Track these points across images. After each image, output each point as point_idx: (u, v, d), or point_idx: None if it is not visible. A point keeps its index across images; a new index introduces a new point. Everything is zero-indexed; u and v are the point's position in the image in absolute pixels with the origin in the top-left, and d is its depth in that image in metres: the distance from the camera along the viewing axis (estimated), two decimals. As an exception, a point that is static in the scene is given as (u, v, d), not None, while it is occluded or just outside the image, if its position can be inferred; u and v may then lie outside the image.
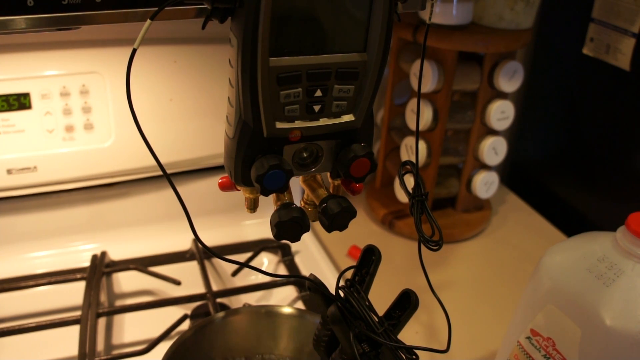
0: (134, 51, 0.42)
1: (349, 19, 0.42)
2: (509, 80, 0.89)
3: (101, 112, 0.80)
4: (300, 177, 0.51)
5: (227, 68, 0.45)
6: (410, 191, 0.51)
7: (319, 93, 0.43)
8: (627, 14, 0.87)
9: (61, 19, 0.43)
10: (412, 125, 0.91)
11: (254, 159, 0.44)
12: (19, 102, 0.77)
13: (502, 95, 0.91)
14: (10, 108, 0.77)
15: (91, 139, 0.81)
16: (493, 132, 0.94)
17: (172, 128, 0.83)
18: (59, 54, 0.78)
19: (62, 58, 0.78)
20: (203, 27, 0.42)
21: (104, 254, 0.83)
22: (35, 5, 0.42)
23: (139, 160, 0.83)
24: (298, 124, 0.43)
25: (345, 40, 0.43)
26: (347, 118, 0.45)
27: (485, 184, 0.96)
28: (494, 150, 0.94)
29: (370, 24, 0.43)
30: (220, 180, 0.49)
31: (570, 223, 1.04)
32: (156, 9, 0.41)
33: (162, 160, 0.43)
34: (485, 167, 0.97)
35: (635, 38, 0.86)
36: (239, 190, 0.49)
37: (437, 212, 0.99)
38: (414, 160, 0.51)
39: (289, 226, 0.46)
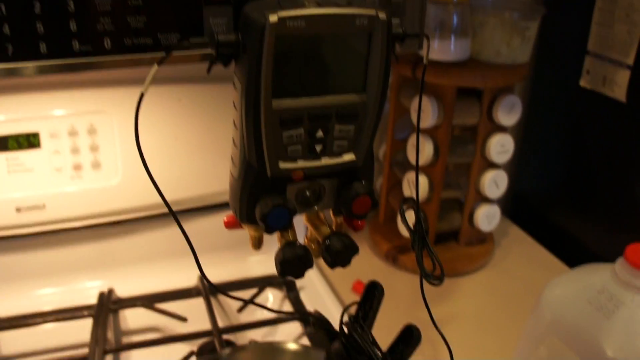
0: (142, 95, 0.43)
1: (348, 61, 0.44)
2: (508, 114, 0.90)
3: (108, 150, 0.81)
4: (304, 215, 0.52)
5: (231, 106, 0.46)
6: (412, 227, 0.52)
7: (320, 133, 0.44)
8: (621, 46, 0.89)
9: (72, 65, 0.45)
10: (414, 160, 0.92)
11: (258, 198, 0.45)
12: (29, 141, 0.79)
13: (502, 129, 0.93)
14: (20, 147, 0.78)
15: (98, 177, 0.82)
16: (494, 166, 0.95)
17: (178, 166, 0.84)
18: (67, 94, 0.79)
19: (70, 98, 0.80)
20: (208, 72, 0.44)
21: (111, 291, 0.84)
22: (49, 52, 0.44)
23: (145, 198, 0.84)
24: (300, 163, 0.45)
25: (345, 81, 0.44)
26: (348, 157, 0.46)
27: (487, 217, 0.97)
28: (495, 183, 0.95)
29: (368, 65, 0.44)
30: (225, 219, 0.51)
31: (573, 254, 1.04)
32: (163, 54, 0.43)
33: (167, 198, 0.44)
34: (487, 200, 0.97)
35: (630, 70, 0.88)
36: (243, 228, 0.50)
37: (440, 246, 1.00)
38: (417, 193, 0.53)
39: (293, 264, 0.47)
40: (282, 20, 0.40)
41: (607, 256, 0.91)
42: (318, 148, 0.45)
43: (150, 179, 0.44)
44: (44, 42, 0.43)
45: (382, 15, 0.42)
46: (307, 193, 0.48)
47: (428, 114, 0.86)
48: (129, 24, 0.44)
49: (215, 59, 0.43)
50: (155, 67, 0.42)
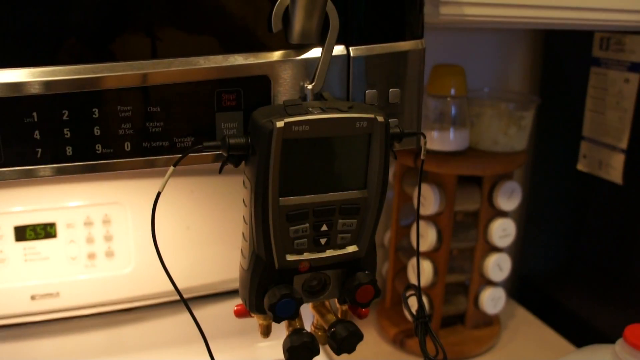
0: (159, 194, 0.47)
1: (349, 160, 0.47)
2: (508, 199, 0.93)
3: (122, 240, 0.84)
4: (310, 303, 0.55)
5: (240, 197, 0.50)
6: (414, 313, 0.55)
7: (324, 227, 0.47)
8: (614, 132, 0.93)
9: (94, 166, 0.49)
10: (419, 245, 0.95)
11: (266, 288, 0.48)
12: (46, 231, 0.82)
13: (503, 214, 0.95)
14: (37, 237, 0.81)
15: (112, 266, 0.84)
16: (496, 249, 0.97)
17: (189, 254, 0.87)
18: (83, 186, 0.83)
19: (86, 190, 0.83)
20: (220, 172, 0.47)
21: (121, 378, 0.85)
22: (74, 155, 0.48)
23: (156, 285, 0.86)
24: (306, 256, 0.48)
25: (347, 179, 0.48)
26: (352, 249, 0.49)
27: (492, 300, 0.98)
28: (498, 266, 0.96)
29: (369, 164, 0.48)
30: (235, 308, 0.53)
31: (580, 333, 1.04)
32: (179, 156, 0.47)
33: (179, 285, 0.47)
34: (491, 283, 0.99)
35: (624, 153, 0.91)
36: (253, 317, 0.53)
37: (447, 330, 1.00)
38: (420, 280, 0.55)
39: (300, 351, 0.49)
40: (288, 125, 0.43)
41: (614, 334, 0.92)
42: (323, 241, 0.48)
43: (164, 268, 0.47)
44: (70, 146, 0.47)
45: (380, 118, 0.46)
46: (313, 283, 0.50)
47: (430, 201, 0.89)
48: (147, 128, 0.48)
49: (227, 159, 0.47)
50: (171, 169, 0.46)
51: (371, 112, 0.46)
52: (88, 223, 0.83)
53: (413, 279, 0.96)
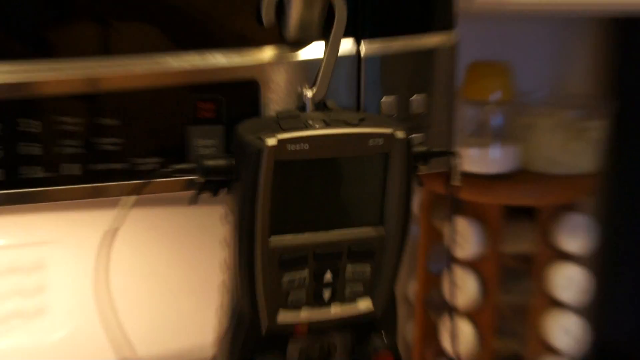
0: (114, 232, 0.49)
1: (361, 189, 0.49)
2: (573, 237, 0.94)
3: (58, 292, 0.85)
4: (310, 377, 0.56)
5: (220, 235, 0.51)
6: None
7: (328, 276, 0.49)
8: None
9: (30, 195, 0.50)
10: (454, 300, 0.95)
11: (252, 358, 0.50)
12: (-47, 280, 0.83)
13: (567, 257, 0.96)
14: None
15: (42, 328, 0.85)
16: (561, 306, 0.97)
17: (151, 312, 0.87)
18: (9, 220, 0.84)
19: (13, 225, 0.84)
20: (194, 202, 0.49)
21: None
22: (4, 180, 0.49)
23: (97, 355, 0.87)
24: (304, 314, 0.49)
25: (358, 213, 0.49)
26: (364, 304, 0.50)
27: (556, 376, 0.99)
28: (564, 329, 0.96)
29: (386, 193, 0.49)
30: (211, 386, 0.55)
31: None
32: (141, 182, 0.49)
33: (137, 354, 0.48)
34: (555, 352, 0.99)
35: None
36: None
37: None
38: (457, 348, 0.57)
39: None
40: (282, 143, 0.45)
41: None
42: (326, 294, 0.49)
43: (119, 331, 0.49)
44: (2, 169, 0.49)
45: (399, 134, 0.48)
46: (314, 352, 0.52)
47: (469, 240, 0.90)
48: (99, 147, 0.50)
49: (203, 187, 0.48)
50: (130, 200, 0.48)
51: (388, 125, 0.48)
52: (13, 269, 0.84)
53: (448, 346, 0.97)
